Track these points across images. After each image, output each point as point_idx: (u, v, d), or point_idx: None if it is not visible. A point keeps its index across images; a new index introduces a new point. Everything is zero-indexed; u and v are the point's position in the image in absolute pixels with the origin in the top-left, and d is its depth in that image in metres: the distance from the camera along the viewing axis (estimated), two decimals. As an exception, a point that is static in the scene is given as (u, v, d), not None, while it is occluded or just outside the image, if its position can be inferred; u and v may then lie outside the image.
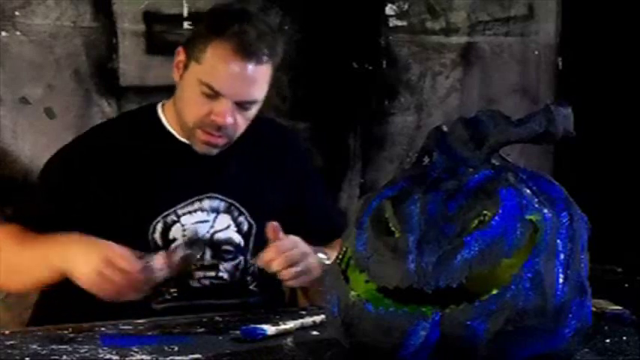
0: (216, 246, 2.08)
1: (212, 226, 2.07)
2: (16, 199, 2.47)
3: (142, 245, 1.98)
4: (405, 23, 3.20)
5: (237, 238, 2.10)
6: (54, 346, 1.59)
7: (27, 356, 1.53)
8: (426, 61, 3.24)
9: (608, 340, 1.64)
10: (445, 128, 1.50)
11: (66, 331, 1.68)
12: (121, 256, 1.84)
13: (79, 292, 2.03)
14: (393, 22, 3.19)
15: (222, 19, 2.01)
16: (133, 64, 2.87)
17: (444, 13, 3.25)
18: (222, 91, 1.97)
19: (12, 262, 1.98)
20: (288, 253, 1.91)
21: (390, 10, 3.18)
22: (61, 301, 2.03)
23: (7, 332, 1.68)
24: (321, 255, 1.98)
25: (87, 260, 1.85)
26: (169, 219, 2.04)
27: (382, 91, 3.20)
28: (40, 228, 1.98)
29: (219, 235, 2.09)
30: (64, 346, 1.59)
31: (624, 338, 1.66)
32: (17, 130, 2.75)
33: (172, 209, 2.04)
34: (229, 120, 1.99)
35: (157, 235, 2.03)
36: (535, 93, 3.37)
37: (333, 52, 3.10)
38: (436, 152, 1.49)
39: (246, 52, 1.96)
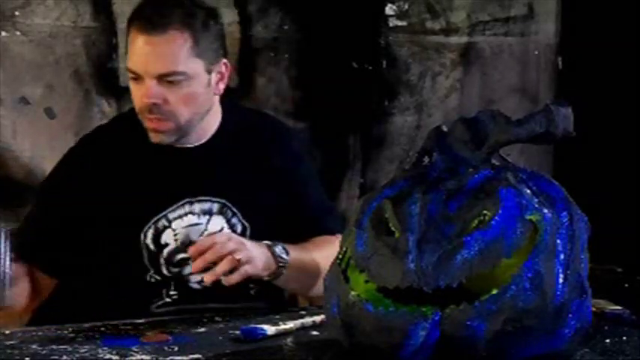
0: None
1: (205, 229, 2.03)
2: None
3: (135, 252, 1.98)
4: (405, 23, 3.20)
5: None
6: (54, 346, 1.59)
7: (27, 356, 1.53)
8: (426, 61, 3.24)
9: (608, 340, 1.64)
10: (445, 128, 1.50)
11: (66, 331, 1.68)
12: None
13: (79, 292, 2.04)
14: (393, 22, 3.19)
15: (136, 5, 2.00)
16: (132, 64, 2.87)
17: (444, 13, 3.25)
18: (135, 70, 1.94)
19: None
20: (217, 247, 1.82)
21: (390, 10, 3.18)
22: (61, 301, 2.03)
23: (7, 332, 1.68)
24: (277, 249, 1.91)
25: None
26: (160, 224, 2.01)
27: (382, 91, 3.20)
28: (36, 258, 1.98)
29: None
30: (64, 346, 1.59)
31: (624, 338, 1.66)
32: (17, 130, 2.75)
33: (162, 214, 2.01)
34: (152, 99, 1.93)
35: (149, 241, 2.00)
36: (535, 93, 3.37)
37: (333, 52, 3.10)
38: (436, 152, 1.49)
39: (147, 24, 1.93)
